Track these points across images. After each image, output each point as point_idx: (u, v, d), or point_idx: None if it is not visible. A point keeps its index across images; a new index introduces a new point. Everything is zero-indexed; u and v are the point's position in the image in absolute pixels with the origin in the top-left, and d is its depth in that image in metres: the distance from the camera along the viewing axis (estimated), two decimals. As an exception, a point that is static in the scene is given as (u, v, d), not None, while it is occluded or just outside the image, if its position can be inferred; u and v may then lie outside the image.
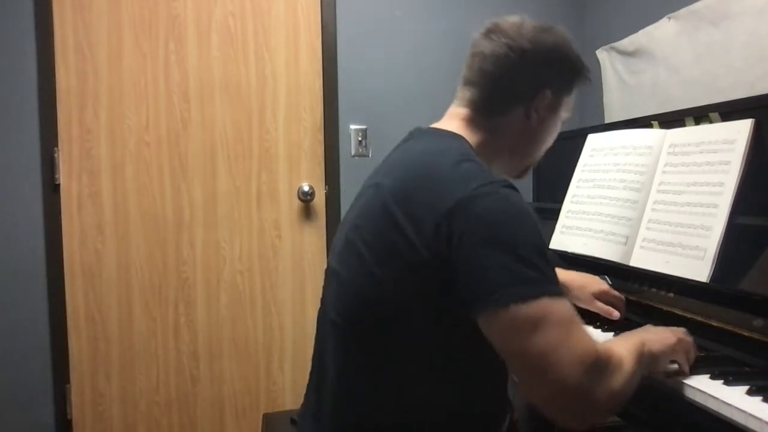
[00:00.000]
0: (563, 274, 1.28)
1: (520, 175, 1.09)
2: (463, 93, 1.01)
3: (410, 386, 0.89)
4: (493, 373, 0.83)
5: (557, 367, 0.74)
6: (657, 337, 0.92)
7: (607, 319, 1.27)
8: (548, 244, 1.58)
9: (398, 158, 0.97)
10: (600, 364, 0.77)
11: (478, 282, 0.78)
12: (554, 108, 1.02)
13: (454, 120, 1.00)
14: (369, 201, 0.93)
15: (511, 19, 0.99)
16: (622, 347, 0.85)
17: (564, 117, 1.05)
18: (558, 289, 0.79)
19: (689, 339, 0.98)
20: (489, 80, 0.97)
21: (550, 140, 1.06)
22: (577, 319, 0.79)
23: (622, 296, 1.27)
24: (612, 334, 1.20)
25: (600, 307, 1.25)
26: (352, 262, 0.92)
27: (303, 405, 1.05)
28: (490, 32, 0.98)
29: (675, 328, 0.99)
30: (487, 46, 0.97)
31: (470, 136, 0.97)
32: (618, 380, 0.78)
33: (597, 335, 1.20)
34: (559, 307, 0.77)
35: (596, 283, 1.28)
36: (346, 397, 0.93)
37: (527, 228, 0.80)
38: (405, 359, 0.88)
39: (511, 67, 0.96)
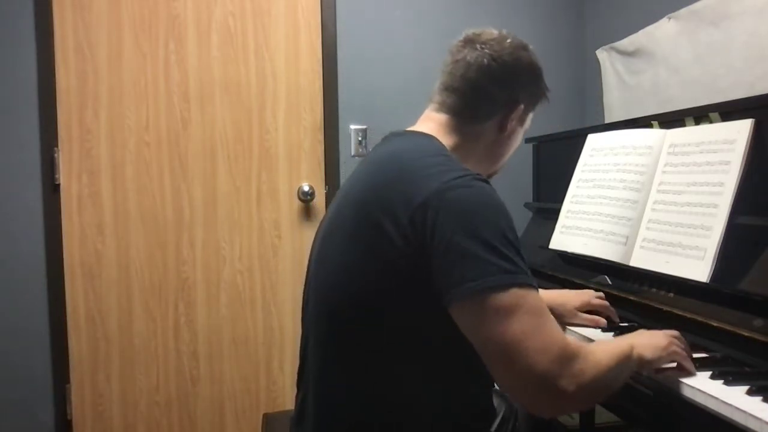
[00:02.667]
0: (543, 295, 1.29)
1: None
2: (443, 98, 1.04)
3: (392, 386, 0.89)
4: (478, 372, 0.84)
5: (524, 356, 0.75)
6: (648, 341, 0.93)
7: (609, 320, 1.27)
8: (549, 244, 1.59)
9: (371, 160, 1.00)
10: (567, 355, 0.77)
11: (451, 271, 0.79)
12: (522, 121, 1.07)
13: (429, 122, 1.03)
14: (342, 203, 0.96)
15: (491, 32, 1.04)
16: (601, 346, 0.87)
17: (526, 129, 1.11)
18: (529, 280, 0.81)
19: (681, 341, 0.98)
20: (471, 87, 1.01)
21: (513, 151, 1.11)
22: (547, 310, 0.81)
23: (606, 302, 1.27)
24: (612, 334, 1.20)
25: (584, 319, 1.25)
26: (329, 263, 0.94)
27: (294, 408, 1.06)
28: (473, 42, 1.02)
29: (667, 330, 0.99)
30: (470, 55, 1.01)
31: (444, 139, 1.00)
32: (586, 374, 0.78)
33: (598, 335, 1.20)
34: (530, 297, 0.79)
35: (577, 296, 1.29)
36: (329, 398, 0.94)
37: (499, 219, 0.83)
38: (386, 357, 0.89)
39: (492, 77, 1.00)
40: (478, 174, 0.87)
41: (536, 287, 0.82)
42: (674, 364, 0.96)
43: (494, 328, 0.77)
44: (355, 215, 0.91)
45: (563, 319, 1.26)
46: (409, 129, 1.04)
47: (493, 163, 1.10)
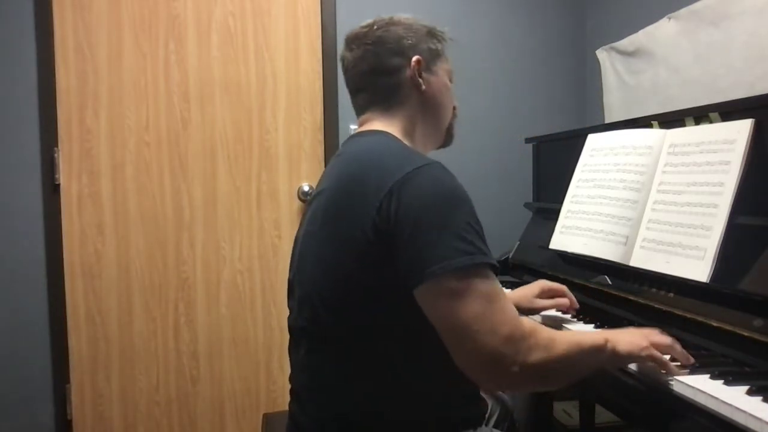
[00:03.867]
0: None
1: (446, 142, 1.17)
2: (358, 102, 1.11)
3: (387, 380, 0.92)
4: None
5: (474, 336, 0.81)
6: (626, 339, 0.95)
7: (603, 317, 1.28)
8: (549, 244, 1.59)
9: (336, 164, 1.05)
10: (515, 337, 0.82)
11: (413, 256, 0.84)
12: (432, 70, 1.09)
13: (368, 123, 1.08)
14: (316, 207, 1.00)
15: (360, 24, 1.11)
16: (566, 334, 0.92)
17: (448, 78, 1.13)
18: (488, 260, 0.85)
19: (663, 340, 0.97)
20: (368, 77, 1.07)
21: (447, 101, 1.13)
22: (502, 292, 0.86)
23: (558, 285, 1.32)
24: (593, 326, 1.21)
25: (545, 305, 1.30)
26: (309, 265, 0.98)
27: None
28: (349, 44, 1.09)
29: (654, 334, 0.98)
30: (350, 55, 1.08)
31: (389, 129, 1.05)
32: (536, 356, 0.83)
33: (583, 328, 1.22)
34: (487, 280, 0.84)
35: (534, 286, 1.33)
36: (322, 398, 0.96)
37: (460, 205, 0.87)
38: (369, 345, 0.92)
39: (376, 57, 1.06)
40: (437, 163, 0.91)
41: (496, 267, 0.86)
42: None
43: (449, 308, 0.82)
44: (329, 216, 0.94)
45: (525, 312, 1.30)
46: (358, 131, 1.08)
47: (437, 120, 1.12)
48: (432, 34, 1.11)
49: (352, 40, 1.08)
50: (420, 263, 0.83)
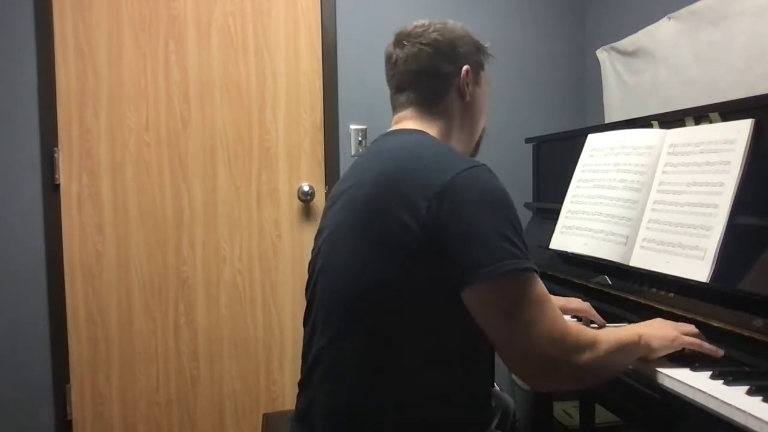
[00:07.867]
0: None
1: (473, 154, 1.17)
2: (399, 100, 1.09)
3: (405, 379, 0.91)
4: (485, 365, 0.87)
5: (530, 340, 0.83)
6: (657, 332, 0.99)
7: (603, 317, 1.26)
8: (549, 244, 1.59)
9: (372, 158, 1.03)
10: (568, 339, 0.84)
11: (466, 258, 0.84)
12: (477, 81, 1.11)
13: (405, 121, 1.07)
14: (350, 200, 0.97)
15: (412, 25, 1.10)
16: (606, 333, 0.92)
17: (486, 90, 1.15)
18: (534, 266, 0.86)
19: (691, 328, 1.03)
20: (417, 76, 1.07)
21: (485, 112, 1.15)
22: (549, 295, 0.87)
23: (585, 307, 1.26)
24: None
25: None
26: (340, 259, 0.95)
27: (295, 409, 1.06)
28: (400, 40, 1.08)
29: (680, 323, 1.04)
30: (401, 53, 1.07)
31: (427, 131, 1.04)
32: (585, 357, 0.85)
33: None
34: (536, 284, 0.85)
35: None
36: (340, 395, 0.94)
37: (508, 208, 0.88)
38: (400, 351, 0.91)
39: (430, 58, 1.06)
40: (485, 165, 0.91)
41: (538, 273, 0.87)
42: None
43: (504, 312, 0.84)
44: (368, 209, 0.92)
45: None
46: (393, 129, 1.07)
47: (471, 132, 1.14)
48: (479, 48, 1.12)
49: (405, 37, 1.08)
50: (473, 264, 0.83)
